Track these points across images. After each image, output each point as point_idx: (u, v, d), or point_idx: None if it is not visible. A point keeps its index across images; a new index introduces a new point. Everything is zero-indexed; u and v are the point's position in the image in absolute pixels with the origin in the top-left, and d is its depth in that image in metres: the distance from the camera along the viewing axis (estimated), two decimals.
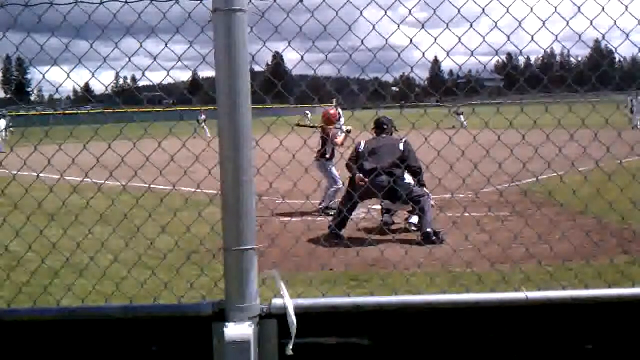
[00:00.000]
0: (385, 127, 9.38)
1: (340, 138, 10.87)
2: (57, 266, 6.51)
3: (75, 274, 5.99)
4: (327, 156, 10.80)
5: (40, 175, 2.68)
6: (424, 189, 8.81)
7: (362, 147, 9.13)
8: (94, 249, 7.37)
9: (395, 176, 8.43)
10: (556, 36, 2.64)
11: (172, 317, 2.21)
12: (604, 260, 6.80)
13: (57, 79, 2.68)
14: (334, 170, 10.87)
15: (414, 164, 8.73)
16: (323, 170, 10.79)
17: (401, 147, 8.76)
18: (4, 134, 26.23)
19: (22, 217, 3.09)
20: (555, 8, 2.49)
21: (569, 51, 2.94)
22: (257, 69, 2.75)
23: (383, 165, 8.43)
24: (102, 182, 2.73)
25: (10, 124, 27.41)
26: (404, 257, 6.55)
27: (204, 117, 33.05)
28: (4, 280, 5.31)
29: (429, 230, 8.25)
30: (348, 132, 10.94)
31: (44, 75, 2.47)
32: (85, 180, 2.85)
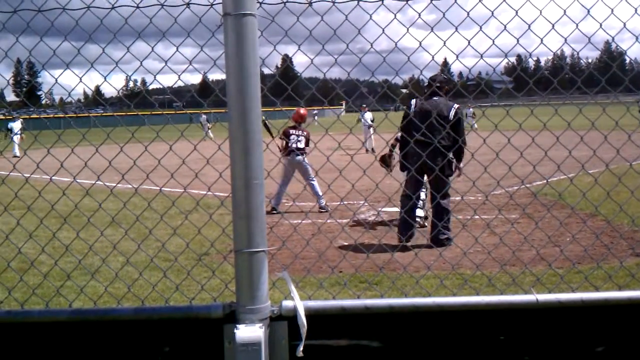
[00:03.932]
0: (438, 85, 7.70)
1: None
2: (69, 268, 6.59)
3: (87, 276, 6.05)
4: (307, 152, 11.40)
5: (53, 178, 2.70)
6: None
7: (412, 110, 7.75)
8: (106, 251, 7.44)
9: (443, 160, 7.49)
10: (565, 39, 2.64)
11: (183, 319, 2.23)
12: (614, 262, 6.78)
13: (69, 82, 2.71)
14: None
15: (459, 137, 7.44)
16: (307, 165, 11.35)
17: (451, 114, 7.58)
18: (18, 137, 26.34)
19: (35, 219, 3.12)
20: (564, 10, 2.49)
21: (578, 53, 2.93)
22: (267, 71, 2.77)
23: (431, 139, 6.93)
24: (114, 184, 2.75)
25: (24, 127, 27.46)
26: (413, 259, 6.53)
27: (204, 117, 32.36)
28: (17, 282, 5.36)
29: (445, 236, 7.94)
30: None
31: (56, 79, 2.49)
32: (97, 183, 2.87)
